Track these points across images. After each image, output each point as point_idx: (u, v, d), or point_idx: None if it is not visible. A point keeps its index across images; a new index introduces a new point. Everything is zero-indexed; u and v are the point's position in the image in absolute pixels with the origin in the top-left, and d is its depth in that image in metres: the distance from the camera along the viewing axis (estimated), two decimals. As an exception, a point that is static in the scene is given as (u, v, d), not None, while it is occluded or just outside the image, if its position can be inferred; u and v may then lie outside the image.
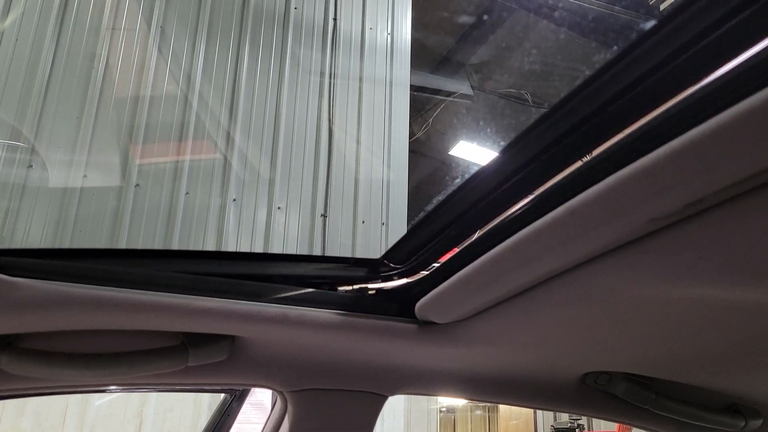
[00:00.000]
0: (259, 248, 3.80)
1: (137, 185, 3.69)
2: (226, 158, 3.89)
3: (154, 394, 4.07)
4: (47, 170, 3.55)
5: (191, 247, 3.66)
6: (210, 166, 3.86)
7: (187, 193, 3.75)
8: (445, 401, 14.75)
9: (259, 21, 4.22)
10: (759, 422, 1.05)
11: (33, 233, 3.43)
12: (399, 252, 0.80)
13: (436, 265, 0.72)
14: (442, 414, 16.78)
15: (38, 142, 3.60)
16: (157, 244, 3.59)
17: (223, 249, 3.72)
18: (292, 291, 0.78)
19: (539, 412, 13.03)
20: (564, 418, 11.15)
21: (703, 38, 0.38)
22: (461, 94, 7.23)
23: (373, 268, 0.83)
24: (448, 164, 8.39)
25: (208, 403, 4.05)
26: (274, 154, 4.01)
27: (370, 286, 0.82)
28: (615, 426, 9.40)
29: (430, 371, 0.99)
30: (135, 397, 4.04)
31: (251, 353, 0.87)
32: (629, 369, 0.95)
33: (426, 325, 0.79)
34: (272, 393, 1.00)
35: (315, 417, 0.95)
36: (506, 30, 6.48)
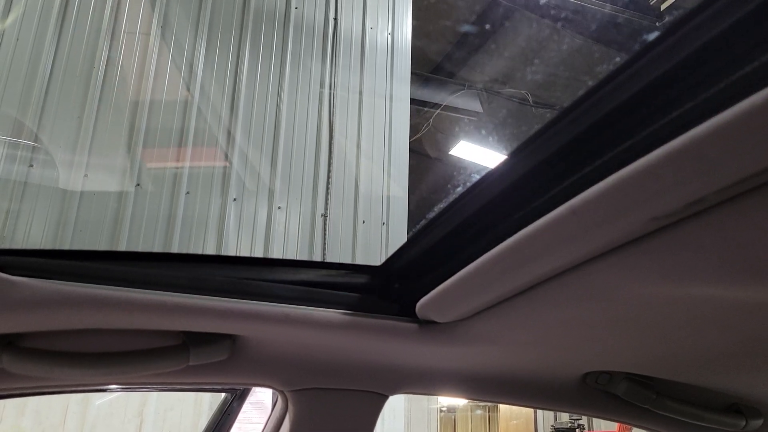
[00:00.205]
0: (259, 248, 3.80)
1: (138, 185, 3.69)
2: (226, 158, 3.89)
3: (155, 394, 4.07)
4: (48, 170, 3.56)
5: (192, 246, 3.66)
6: (210, 166, 3.86)
7: (187, 192, 3.75)
8: (446, 401, 14.75)
9: (260, 21, 4.22)
10: (760, 422, 1.05)
11: (34, 232, 3.43)
12: (399, 260, 0.80)
13: (437, 264, 0.72)
14: (442, 414, 16.78)
15: (39, 142, 3.60)
16: (158, 244, 3.59)
17: (223, 248, 3.72)
18: (293, 290, 0.78)
19: (539, 412, 13.04)
20: (564, 417, 11.15)
21: (703, 38, 0.38)
22: (471, 111, 7.26)
23: (374, 274, 0.83)
24: (447, 164, 8.40)
25: (208, 403, 4.05)
26: (275, 154, 4.01)
27: (370, 284, 0.82)
28: (615, 426, 9.41)
29: (430, 371, 0.99)
30: (136, 397, 4.05)
31: (252, 352, 0.87)
32: (630, 369, 0.95)
33: (427, 324, 0.79)
34: (273, 392, 1.00)
35: (316, 416, 0.95)
36: (515, 39, 6.48)
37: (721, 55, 0.37)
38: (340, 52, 4.40)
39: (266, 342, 0.85)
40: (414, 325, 0.80)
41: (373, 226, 4.15)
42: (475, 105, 7.32)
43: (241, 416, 1.67)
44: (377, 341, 0.82)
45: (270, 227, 3.87)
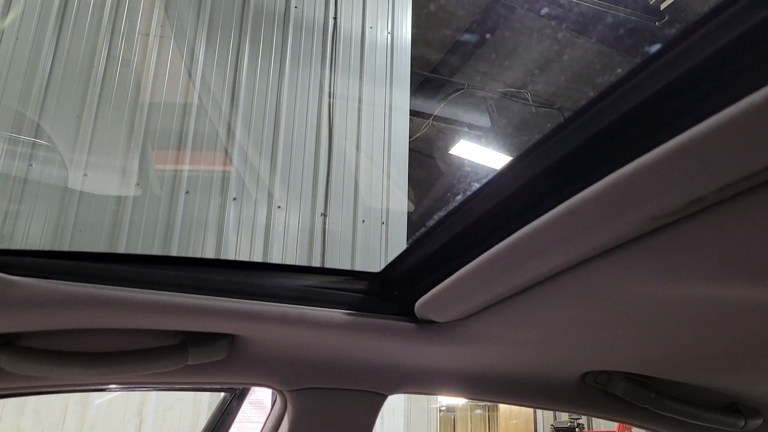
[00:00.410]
0: (259, 247, 3.80)
1: (137, 184, 3.69)
2: (226, 157, 3.89)
3: (154, 393, 4.07)
4: (47, 169, 3.55)
5: (192, 245, 3.66)
6: (210, 165, 3.86)
7: (187, 191, 3.75)
8: (445, 400, 14.76)
9: (260, 20, 4.22)
10: (759, 421, 1.05)
11: (33, 232, 3.43)
12: (399, 266, 0.80)
13: (436, 266, 0.72)
14: (441, 413, 16.79)
15: (38, 140, 3.60)
16: (157, 243, 3.59)
17: (223, 247, 3.72)
18: (291, 291, 0.78)
19: (539, 412, 13.04)
20: (564, 417, 11.16)
21: (703, 38, 0.38)
22: (478, 126, 7.29)
23: (373, 280, 0.83)
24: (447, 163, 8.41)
25: (207, 402, 4.05)
26: (275, 152, 4.01)
27: (369, 286, 0.82)
28: (615, 425, 9.42)
29: (429, 370, 0.99)
30: (135, 396, 4.05)
31: (251, 352, 0.87)
32: (629, 368, 0.95)
33: (426, 324, 0.79)
34: (272, 392, 1.00)
35: (314, 416, 0.95)
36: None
37: (720, 53, 0.37)
38: (339, 51, 4.40)
39: (265, 342, 0.85)
40: (413, 325, 0.79)
41: (373, 225, 4.15)
42: (476, 110, 7.35)
43: (240, 415, 1.67)
44: (376, 341, 0.82)
45: (269, 226, 3.87)
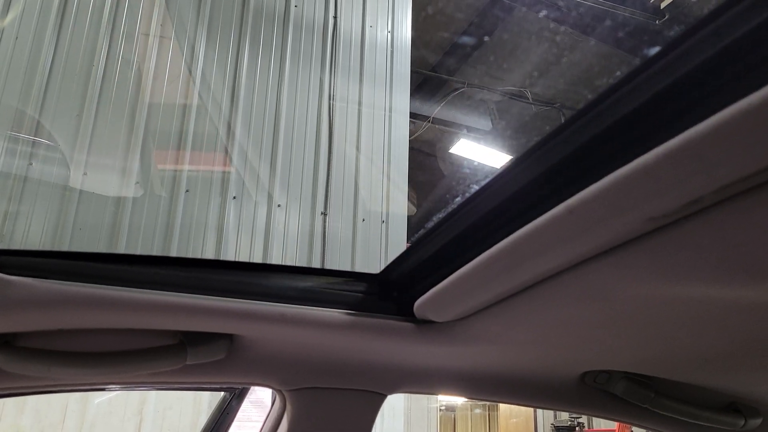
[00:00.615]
0: (259, 247, 3.80)
1: (137, 183, 3.69)
2: (226, 156, 3.89)
3: (154, 393, 4.08)
4: (47, 168, 3.55)
5: (192, 244, 3.66)
6: (210, 165, 3.86)
7: (187, 191, 3.75)
8: (445, 400, 14.77)
9: (260, 19, 4.22)
10: (758, 421, 1.05)
11: (32, 232, 3.43)
12: (398, 268, 0.80)
13: (435, 266, 0.72)
14: (441, 413, 16.79)
15: (38, 139, 3.60)
16: (157, 242, 3.59)
17: (223, 246, 3.72)
18: (290, 291, 0.78)
19: (539, 411, 13.05)
20: (564, 416, 11.16)
21: (701, 38, 0.38)
22: (478, 129, 7.30)
23: (372, 281, 0.83)
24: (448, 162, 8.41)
25: (207, 402, 4.05)
26: (275, 152, 4.01)
27: (368, 286, 0.82)
28: (614, 425, 9.42)
29: (429, 370, 0.99)
30: (135, 396, 4.05)
31: (250, 352, 0.87)
32: (628, 368, 0.95)
33: (425, 323, 0.79)
34: (271, 391, 1.00)
35: (314, 415, 0.95)
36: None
37: (718, 55, 0.37)
38: (339, 50, 4.40)
39: (264, 341, 0.85)
40: (412, 325, 0.79)
41: (373, 224, 4.15)
42: (477, 114, 7.35)
43: (240, 415, 1.67)
44: (375, 341, 0.82)
45: (269, 226, 3.87)
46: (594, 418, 11.52)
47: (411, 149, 4.63)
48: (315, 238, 3.95)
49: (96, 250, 3.45)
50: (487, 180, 0.59)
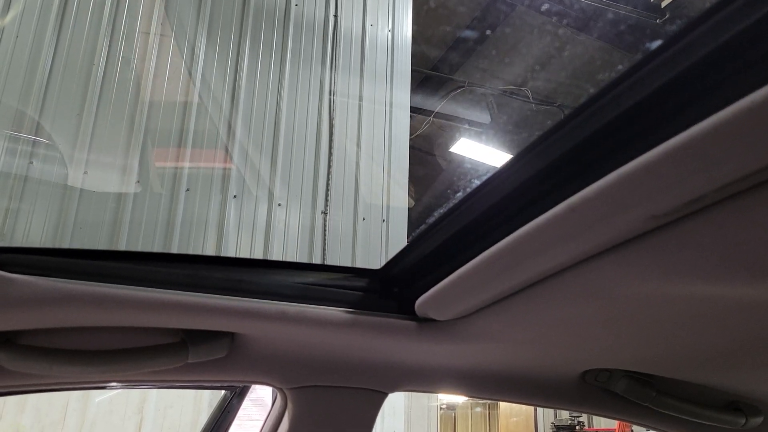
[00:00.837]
0: (259, 245, 3.80)
1: (138, 182, 3.69)
2: (226, 154, 3.89)
3: (155, 391, 4.08)
4: (47, 167, 3.56)
5: (192, 243, 3.66)
6: (210, 163, 3.86)
7: (187, 190, 3.75)
8: (446, 398, 14.77)
9: (260, 18, 4.21)
10: (759, 419, 1.05)
11: (33, 230, 3.43)
12: (399, 263, 0.80)
13: (437, 264, 0.72)
14: (442, 411, 16.80)
15: (38, 138, 3.60)
16: (158, 241, 3.59)
17: (223, 245, 3.72)
18: (291, 288, 0.78)
19: (539, 410, 13.06)
20: (564, 415, 11.17)
21: (703, 37, 0.38)
22: (478, 122, 7.30)
23: (373, 277, 0.83)
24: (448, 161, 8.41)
25: (208, 400, 4.06)
26: (275, 150, 4.01)
27: (369, 284, 0.82)
28: (615, 423, 9.43)
29: (430, 368, 0.99)
30: (135, 394, 4.05)
31: (251, 350, 0.87)
32: (629, 366, 0.95)
33: (426, 322, 0.79)
34: (272, 390, 1.00)
35: (315, 414, 0.95)
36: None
37: (720, 51, 0.37)
38: (340, 49, 4.40)
39: (265, 339, 0.85)
40: (413, 323, 0.79)
41: (373, 223, 4.14)
42: (477, 108, 7.35)
43: (241, 413, 1.68)
44: (376, 339, 0.82)
45: (270, 224, 3.87)
46: (594, 417, 11.52)
47: (411, 148, 4.63)
48: (315, 237, 3.95)
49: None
50: (488, 177, 0.59)
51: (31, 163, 3.54)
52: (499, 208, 0.58)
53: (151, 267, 0.72)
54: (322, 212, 4.01)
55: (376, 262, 4.04)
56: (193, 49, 4.00)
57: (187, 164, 3.79)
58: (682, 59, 0.39)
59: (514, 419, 14.88)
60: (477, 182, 0.59)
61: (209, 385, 1.65)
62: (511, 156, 0.57)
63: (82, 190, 3.56)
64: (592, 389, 1.05)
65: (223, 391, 1.70)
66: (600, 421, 11.69)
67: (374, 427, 1.00)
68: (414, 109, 6.32)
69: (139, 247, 3.54)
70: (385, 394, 1.00)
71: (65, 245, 3.46)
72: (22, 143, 3.56)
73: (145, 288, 0.69)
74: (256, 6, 4.21)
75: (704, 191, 0.39)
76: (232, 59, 4.06)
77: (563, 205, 0.46)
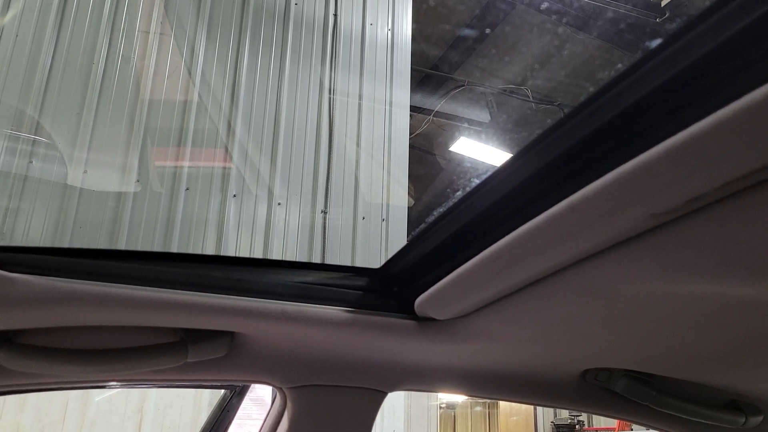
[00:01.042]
0: (259, 244, 3.80)
1: (137, 181, 3.69)
2: (226, 153, 3.89)
3: (154, 390, 4.08)
4: (47, 166, 3.55)
5: (192, 242, 3.66)
6: (210, 162, 3.86)
7: (187, 189, 3.75)
8: (445, 398, 14.78)
9: (260, 17, 4.21)
10: (759, 419, 1.05)
11: (33, 229, 3.43)
12: (398, 262, 0.80)
13: (436, 263, 0.72)
14: (442, 411, 16.81)
15: (38, 137, 3.60)
16: (158, 240, 3.59)
17: (223, 244, 3.72)
18: (291, 288, 0.78)
19: (539, 409, 13.06)
20: (564, 414, 11.17)
21: (704, 35, 0.38)
22: (478, 121, 7.30)
23: (373, 276, 0.83)
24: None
25: (208, 400, 4.06)
26: (275, 149, 4.01)
27: (369, 283, 0.82)
28: (615, 422, 9.43)
29: (429, 368, 0.99)
30: (135, 393, 4.05)
31: (250, 349, 0.87)
32: (629, 366, 0.95)
33: (425, 321, 0.79)
34: (272, 389, 1.00)
35: (314, 413, 0.95)
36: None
37: (721, 50, 0.37)
38: (340, 48, 4.40)
39: (264, 339, 0.85)
40: (413, 322, 0.79)
41: (373, 222, 4.14)
42: (477, 107, 7.35)
43: (240, 412, 1.68)
44: (376, 338, 0.82)
45: (270, 223, 3.87)
46: (594, 416, 11.53)
47: (410, 147, 4.63)
48: (315, 236, 3.95)
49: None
50: (488, 176, 0.59)
51: (31, 162, 3.54)
52: (499, 207, 0.58)
53: (150, 266, 0.72)
54: (321, 211, 4.01)
55: (376, 261, 4.03)
56: (192, 48, 4.00)
57: (186, 163, 3.79)
58: (682, 58, 0.39)
59: (514, 418, 14.89)
60: (477, 181, 0.59)
61: (209, 384, 1.66)
62: (511, 155, 0.57)
63: (81, 189, 3.56)
64: (592, 388, 1.05)
65: (222, 391, 1.70)
66: (600, 421, 11.70)
67: (374, 426, 1.00)
68: (414, 108, 6.32)
69: (139, 246, 3.55)
70: (385, 394, 1.00)
71: (65, 244, 3.46)
72: (22, 142, 3.56)
73: (144, 287, 0.69)
74: (255, 5, 4.21)
75: (704, 190, 0.39)
76: (232, 58, 4.06)
77: (563, 204, 0.46)
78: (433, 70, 7.05)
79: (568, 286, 0.58)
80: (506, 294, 0.65)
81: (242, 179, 3.88)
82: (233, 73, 4.04)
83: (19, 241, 3.40)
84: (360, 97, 4.35)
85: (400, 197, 4.31)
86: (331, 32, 4.41)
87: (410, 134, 4.70)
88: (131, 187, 3.66)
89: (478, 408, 17.54)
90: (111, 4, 3.95)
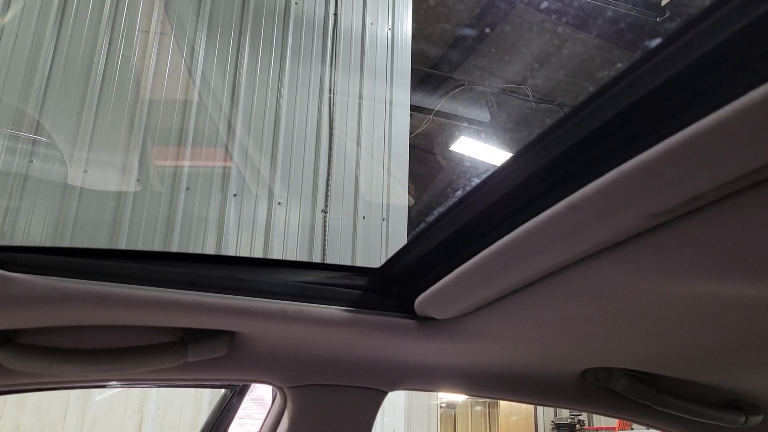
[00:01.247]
0: (259, 244, 3.80)
1: (138, 180, 3.69)
2: (226, 153, 3.89)
3: (155, 390, 4.08)
4: (47, 166, 3.55)
5: (192, 242, 3.66)
6: (210, 162, 3.86)
7: (187, 188, 3.75)
8: (446, 397, 14.78)
9: (260, 16, 4.21)
10: (759, 418, 1.05)
11: (33, 229, 3.43)
12: (398, 262, 0.80)
13: (436, 263, 0.72)
14: (442, 410, 16.81)
15: (38, 137, 3.60)
16: (158, 240, 3.59)
17: (223, 243, 3.72)
18: (291, 287, 0.78)
19: (539, 408, 13.06)
20: (564, 413, 11.17)
21: (704, 35, 0.38)
22: (478, 121, 7.30)
23: (373, 275, 0.83)
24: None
25: (208, 399, 4.06)
26: (275, 149, 4.01)
27: (369, 282, 0.82)
28: (615, 422, 9.44)
29: (429, 367, 0.99)
30: (135, 393, 4.05)
31: (250, 349, 0.87)
32: (629, 365, 0.95)
33: (425, 320, 0.79)
34: (272, 388, 1.00)
35: (314, 412, 0.95)
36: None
37: (720, 49, 0.37)
38: (340, 47, 4.40)
39: (264, 338, 0.85)
40: (413, 322, 0.79)
41: (373, 222, 4.14)
42: (477, 107, 7.35)
43: (241, 412, 1.68)
44: (376, 338, 0.82)
45: (270, 223, 3.87)
46: (594, 416, 11.53)
47: (411, 146, 4.63)
48: (315, 236, 3.95)
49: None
50: (488, 175, 0.59)
51: (31, 161, 3.54)
52: (499, 207, 0.58)
53: (150, 266, 0.72)
54: (322, 211, 4.01)
55: (376, 260, 4.03)
56: (192, 48, 4.00)
57: (186, 163, 3.79)
58: (681, 57, 0.39)
59: (514, 418, 14.89)
60: (477, 180, 0.59)
61: (209, 383, 1.66)
62: (511, 154, 0.57)
63: (82, 188, 3.56)
64: (592, 388, 1.05)
65: (223, 390, 1.70)
66: (600, 420, 11.70)
67: (374, 425, 1.00)
68: (414, 108, 6.32)
69: (139, 245, 3.55)
70: (385, 393, 1.00)
71: (65, 244, 3.46)
72: (22, 142, 3.56)
73: (144, 287, 0.69)
74: (255, 5, 4.21)
75: (704, 189, 0.39)
76: (232, 58, 4.06)
77: (563, 204, 0.46)
78: (433, 69, 7.05)
79: (568, 285, 0.58)
80: (506, 293, 0.65)
81: (242, 179, 3.88)
82: (233, 72, 4.04)
83: (19, 240, 3.40)
84: (360, 97, 4.35)
85: (400, 197, 4.31)
86: (331, 32, 4.41)
87: (410, 134, 4.70)
88: (131, 186, 3.66)
89: (479, 407, 17.54)
90: (111, 4, 3.95)
